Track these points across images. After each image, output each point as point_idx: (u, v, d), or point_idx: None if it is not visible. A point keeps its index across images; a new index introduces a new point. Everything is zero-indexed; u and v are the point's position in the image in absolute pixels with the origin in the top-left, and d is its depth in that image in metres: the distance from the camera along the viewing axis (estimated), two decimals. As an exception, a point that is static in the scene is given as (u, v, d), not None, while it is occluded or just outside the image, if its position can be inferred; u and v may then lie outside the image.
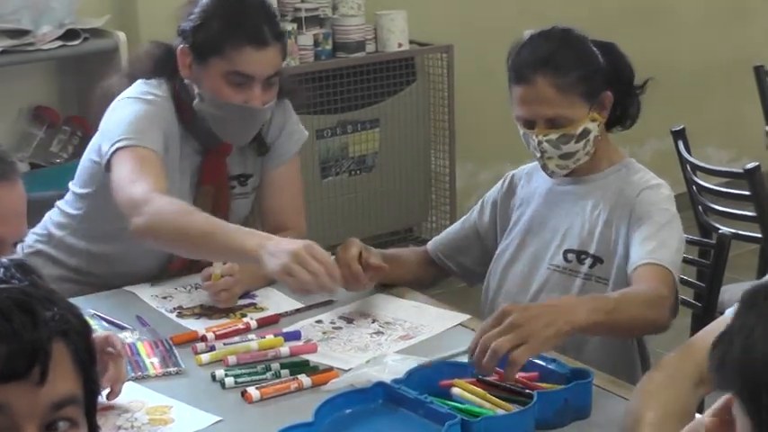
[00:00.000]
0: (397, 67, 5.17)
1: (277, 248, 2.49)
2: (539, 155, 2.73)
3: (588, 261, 2.73)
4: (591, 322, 2.34)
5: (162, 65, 2.99)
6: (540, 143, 2.70)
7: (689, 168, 3.88)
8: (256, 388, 2.38)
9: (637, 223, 2.66)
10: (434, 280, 3.08)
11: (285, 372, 2.47)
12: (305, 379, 2.43)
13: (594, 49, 2.74)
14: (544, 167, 2.77)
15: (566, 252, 2.77)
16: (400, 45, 5.14)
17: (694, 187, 3.87)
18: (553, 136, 2.69)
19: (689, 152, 3.91)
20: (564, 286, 2.75)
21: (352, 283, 2.76)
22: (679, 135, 3.93)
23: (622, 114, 2.80)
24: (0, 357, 1.23)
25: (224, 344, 2.62)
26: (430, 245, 3.10)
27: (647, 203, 2.67)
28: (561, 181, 2.81)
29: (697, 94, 6.19)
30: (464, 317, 2.76)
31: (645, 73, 5.92)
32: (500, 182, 3.00)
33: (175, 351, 2.60)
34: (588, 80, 2.69)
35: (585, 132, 2.69)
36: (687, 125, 4.01)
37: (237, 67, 2.83)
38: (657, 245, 2.60)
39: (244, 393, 2.38)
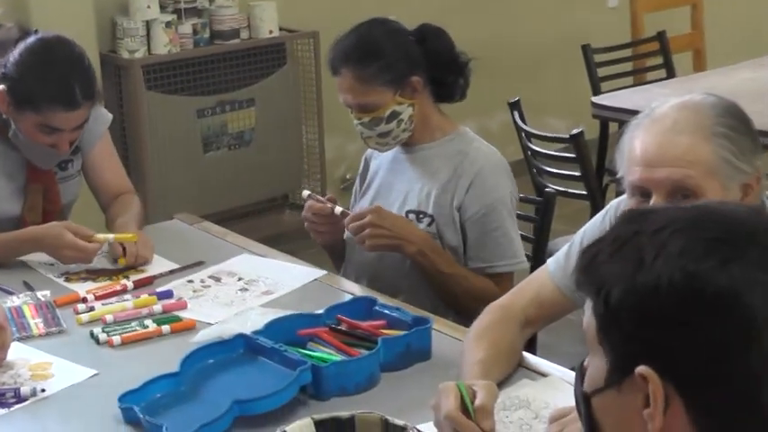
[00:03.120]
0: (268, 52, 5.10)
1: None
2: (360, 135, 2.74)
3: (426, 220, 2.70)
4: (416, 260, 2.60)
5: None
6: (356, 125, 2.72)
7: (524, 136, 3.87)
8: (119, 335, 2.37)
9: (477, 212, 2.66)
10: None
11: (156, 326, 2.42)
12: (164, 327, 2.41)
13: (408, 37, 2.70)
14: (366, 145, 2.79)
15: (407, 212, 2.74)
16: (271, 32, 5.06)
17: (529, 152, 3.87)
18: (365, 119, 2.68)
19: (524, 122, 3.89)
20: None
21: None
22: (515, 106, 3.92)
23: (448, 91, 2.75)
24: None
25: (102, 304, 2.55)
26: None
27: (483, 187, 2.66)
28: (403, 149, 2.78)
29: (537, 71, 6.19)
30: (321, 272, 2.71)
31: (490, 52, 5.94)
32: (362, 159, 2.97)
33: (58, 312, 2.51)
34: (390, 69, 2.65)
35: (395, 114, 2.67)
36: (530, 98, 4.02)
37: (49, 123, 2.74)
38: (507, 243, 2.68)
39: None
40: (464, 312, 2.53)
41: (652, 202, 1.89)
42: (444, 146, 2.74)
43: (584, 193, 3.74)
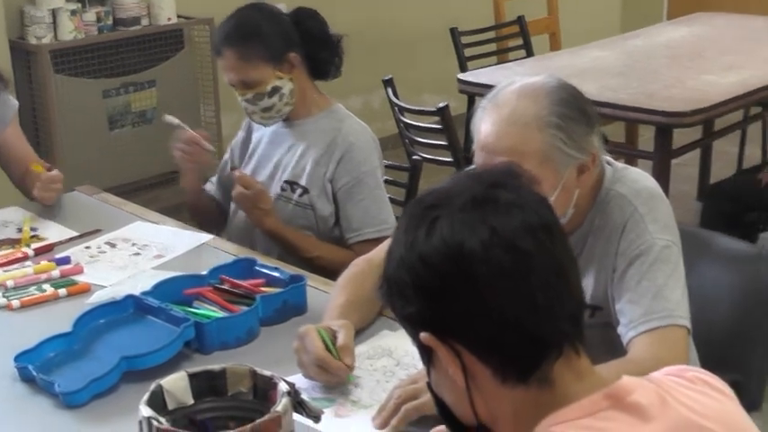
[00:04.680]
0: (167, 38, 4.96)
1: None
2: (245, 112, 2.66)
3: (299, 190, 2.64)
4: (270, 234, 2.58)
5: None
6: (241, 102, 2.63)
7: (397, 110, 3.82)
8: (18, 299, 2.28)
9: (348, 184, 2.60)
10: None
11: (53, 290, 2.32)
12: (61, 290, 2.32)
13: (284, 18, 2.62)
14: (252, 120, 2.71)
15: (283, 183, 2.67)
16: (169, 19, 4.92)
17: (402, 125, 3.82)
18: (249, 95, 2.60)
19: (397, 97, 3.84)
20: (281, 210, 2.66)
21: None
22: (388, 83, 3.86)
23: (323, 68, 2.68)
24: None
25: (4, 271, 2.43)
26: (207, 185, 2.96)
27: (353, 161, 2.60)
28: (282, 124, 2.70)
29: (413, 52, 6.13)
30: (208, 237, 2.64)
31: (370, 35, 5.85)
32: (240, 129, 2.88)
33: (-40, 280, 2.40)
34: (268, 46, 2.56)
35: (276, 89, 2.59)
36: (407, 76, 3.95)
37: None
38: (376, 210, 2.60)
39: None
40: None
41: None
42: (320, 121, 2.67)
43: (451, 160, 3.71)
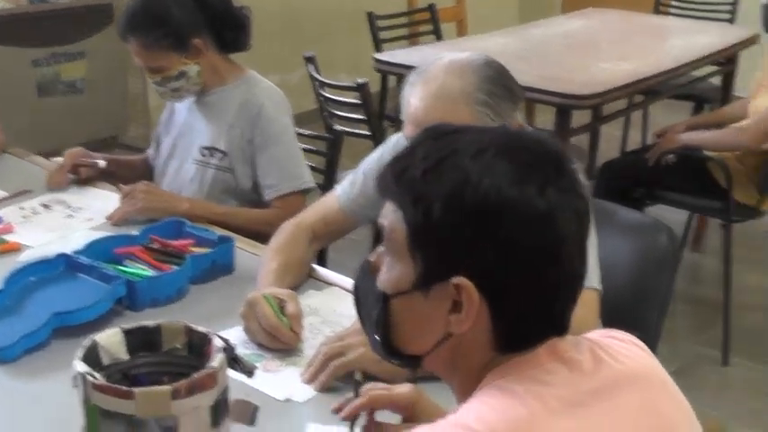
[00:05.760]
0: (97, 11, 4.78)
1: None
2: (157, 92, 2.53)
3: (218, 155, 2.52)
4: (191, 213, 2.32)
5: None
6: (151, 83, 2.51)
7: (318, 85, 3.71)
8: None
9: (263, 142, 2.47)
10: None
11: (-17, 248, 2.17)
12: (-10, 248, 2.18)
13: (186, 6, 2.44)
14: (163, 98, 2.58)
15: (202, 149, 2.55)
16: (99, -7, 4.75)
17: (322, 99, 3.71)
18: (157, 78, 2.48)
19: (318, 73, 3.73)
20: (202, 175, 2.54)
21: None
22: (310, 60, 3.74)
23: (232, 43, 2.53)
24: None
25: (-65, 229, 2.28)
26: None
27: (266, 119, 2.47)
28: (200, 94, 2.57)
29: (331, 33, 6.02)
30: (140, 201, 2.50)
31: (290, 18, 5.70)
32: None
33: None
34: (172, 35, 2.41)
35: (183, 73, 2.47)
36: (325, 56, 3.84)
37: None
38: (292, 166, 2.48)
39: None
40: (251, 238, 2.35)
41: None
42: (234, 89, 2.54)
43: (368, 133, 3.62)
